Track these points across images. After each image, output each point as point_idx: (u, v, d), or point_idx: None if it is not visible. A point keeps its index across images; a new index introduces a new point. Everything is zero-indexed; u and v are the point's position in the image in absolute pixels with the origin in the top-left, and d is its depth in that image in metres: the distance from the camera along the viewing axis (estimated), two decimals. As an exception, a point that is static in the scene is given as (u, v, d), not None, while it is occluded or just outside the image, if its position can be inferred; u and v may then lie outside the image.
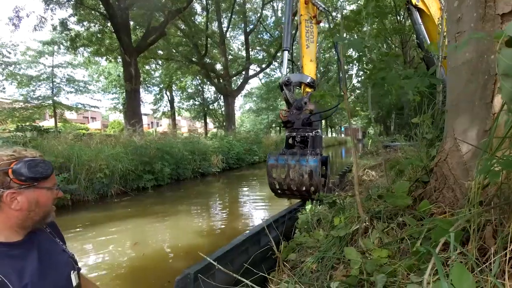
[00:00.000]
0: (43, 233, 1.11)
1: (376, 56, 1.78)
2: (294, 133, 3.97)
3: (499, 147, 1.00)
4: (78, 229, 5.17)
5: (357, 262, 1.38)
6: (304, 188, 3.53)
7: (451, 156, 1.59)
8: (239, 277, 1.55)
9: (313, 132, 3.89)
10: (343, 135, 53.37)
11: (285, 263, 1.93)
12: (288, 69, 4.34)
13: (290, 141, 4.04)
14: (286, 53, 4.22)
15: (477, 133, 1.44)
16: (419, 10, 4.50)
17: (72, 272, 1.12)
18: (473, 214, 0.97)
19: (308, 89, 4.10)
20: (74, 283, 1.11)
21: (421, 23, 4.49)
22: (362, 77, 1.82)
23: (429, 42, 4.32)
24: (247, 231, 2.53)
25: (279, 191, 3.86)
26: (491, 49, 1.36)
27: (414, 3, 4.47)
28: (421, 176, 1.84)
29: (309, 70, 4.21)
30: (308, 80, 4.09)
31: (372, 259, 1.29)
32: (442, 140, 1.77)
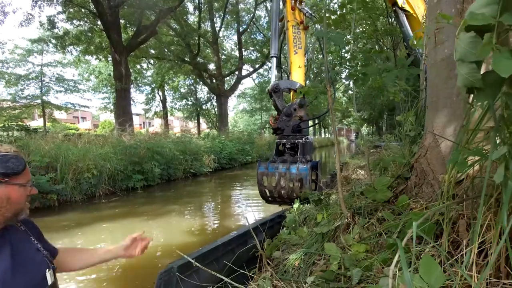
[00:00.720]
0: (17, 231, 1.09)
1: (357, 50, 1.79)
2: (284, 140, 3.96)
3: (471, 140, 1.01)
4: (64, 231, 5.06)
5: (336, 257, 1.37)
6: (294, 195, 3.49)
7: (431, 152, 1.59)
8: (219, 275, 1.54)
9: (303, 139, 3.87)
10: (335, 136, 53.72)
11: (270, 261, 1.91)
12: (278, 75, 4.31)
13: (281, 147, 4.03)
14: (274, 59, 4.21)
15: (455, 128, 1.45)
16: (405, 12, 4.54)
17: (47, 270, 1.11)
18: (445, 205, 0.97)
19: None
20: (50, 282, 1.10)
21: (408, 25, 4.52)
22: (345, 72, 1.82)
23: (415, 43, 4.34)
24: (234, 232, 2.52)
25: (270, 199, 3.85)
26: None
27: (400, 6, 4.50)
28: (403, 173, 1.85)
29: (298, 76, 4.19)
30: (297, 87, 4.07)
31: (351, 254, 1.29)
32: (422, 136, 1.79)
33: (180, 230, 5.10)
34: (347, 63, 1.81)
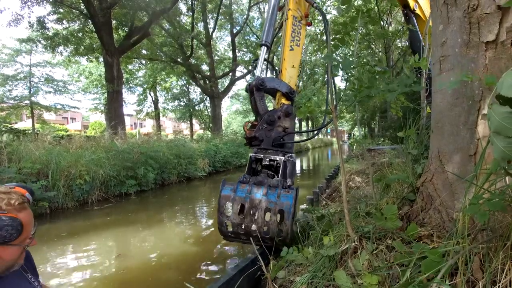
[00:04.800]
0: (14, 272, 1.07)
1: (362, 73, 1.80)
2: (261, 155, 3.05)
3: (484, 179, 1.02)
4: (55, 241, 4.94)
5: None
6: (268, 234, 2.54)
7: (437, 177, 1.61)
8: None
9: (286, 156, 3.01)
10: (329, 137, 54.53)
11: (274, 284, 1.91)
12: (263, 70, 3.52)
13: (254, 164, 3.12)
14: (264, 48, 3.41)
15: (462, 157, 1.47)
16: (415, 16, 4.50)
17: None
18: (466, 250, 0.98)
19: (284, 101, 3.27)
20: None
21: (418, 29, 4.49)
22: (348, 92, 1.82)
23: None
24: (240, 260, 2.46)
25: (231, 234, 2.72)
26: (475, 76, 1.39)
27: (412, 8, 4.44)
28: (408, 194, 1.87)
29: (290, 78, 3.38)
30: (285, 90, 3.24)
31: (363, 286, 1.29)
32: (428, 159, 1.81)
33: (175, 239, 5.04)
34: (354, 87, 1.81)
